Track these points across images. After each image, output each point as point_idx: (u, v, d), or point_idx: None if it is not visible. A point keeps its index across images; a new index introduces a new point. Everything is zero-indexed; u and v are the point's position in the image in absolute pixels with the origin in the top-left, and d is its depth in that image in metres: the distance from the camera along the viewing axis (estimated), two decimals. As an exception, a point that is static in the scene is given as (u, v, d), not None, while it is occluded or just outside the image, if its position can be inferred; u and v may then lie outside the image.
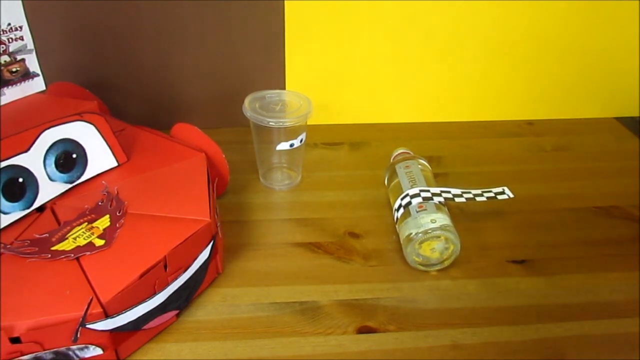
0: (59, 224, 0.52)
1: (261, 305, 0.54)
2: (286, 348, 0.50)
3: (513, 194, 0.63)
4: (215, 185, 0.61)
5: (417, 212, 0.58)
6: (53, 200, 0.55)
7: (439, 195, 0.60)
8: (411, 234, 0.57)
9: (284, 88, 0.83)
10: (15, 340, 0.42)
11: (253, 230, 0.64)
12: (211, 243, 0.53)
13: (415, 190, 0.60)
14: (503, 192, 0.63)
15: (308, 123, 0.68)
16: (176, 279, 0.50)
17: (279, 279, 0.57)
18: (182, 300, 0.52)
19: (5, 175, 0.51)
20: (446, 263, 0.58)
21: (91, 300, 0.44)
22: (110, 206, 0.54)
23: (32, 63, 0.60)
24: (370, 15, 0.78)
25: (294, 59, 0.81)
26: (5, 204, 0.51)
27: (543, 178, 0.75)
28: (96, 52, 0.77)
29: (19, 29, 0.58)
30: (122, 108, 0.77)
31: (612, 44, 0.84)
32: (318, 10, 0.77)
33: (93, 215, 0.53)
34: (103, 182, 0.58)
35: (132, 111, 0.80)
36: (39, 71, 0.61)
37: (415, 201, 0.60)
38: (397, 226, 0.61)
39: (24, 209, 0.53)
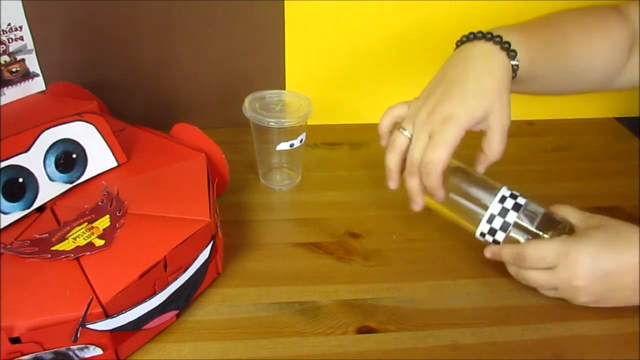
0: (59, 224, 0.52)
1: (261, 305, 0.54)
2: (286, 348, 0.50)
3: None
4: (215, 185, 0.61)
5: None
6: (53, 200, 0.55)
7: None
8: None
9: (284, 88, 0.83)
10: (15, 340, 0.42)
11: (253, 230, 0.64)
12: (211, 243, 0.53)
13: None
14: None
15: (308, 123, 0.67)
16: (176, 279, 0.50)
17: (279, 279, 0.57)
18: (182, 301, 0.51)
19: (5, 175, 0.51)
20: None
21: (91, 300, 0.44)
22: (110, 206, 0.54)
23: (32, 63, 0.60)
24: (370, 15, 0.78)
25: (294, 59, 0.81)
26: (5, 204, 0.51)
27: (543, 178, 0.75)
28: (96, 52, 0.77)
29: (19, 29, 0.58)
30: (122, 108, 0.77)
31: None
32: (318, 10, 0.77)
33: (93, 215, 0.53)
34: (103, 182, 0.58)
35: (132, 111, 0.80)
36: (39, 71, 0.61)
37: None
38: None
39: (24, 209, 0.53)
